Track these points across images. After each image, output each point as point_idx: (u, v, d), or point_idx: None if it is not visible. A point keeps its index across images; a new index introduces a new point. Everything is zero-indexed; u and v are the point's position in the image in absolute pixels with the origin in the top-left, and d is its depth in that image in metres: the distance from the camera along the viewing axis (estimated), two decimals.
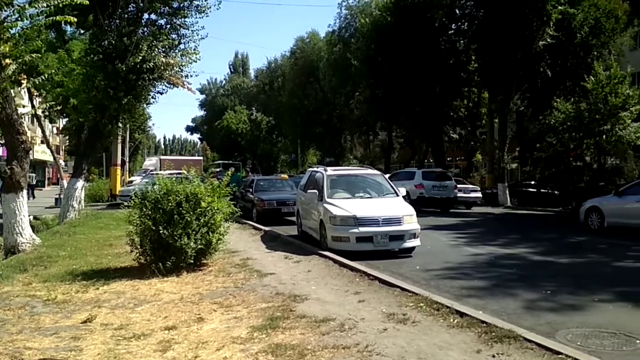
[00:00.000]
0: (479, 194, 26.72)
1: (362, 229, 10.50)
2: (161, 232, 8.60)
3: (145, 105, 24.37)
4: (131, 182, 32.54)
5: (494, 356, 4.89)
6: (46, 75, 12.83)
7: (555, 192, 25.78)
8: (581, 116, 22.17)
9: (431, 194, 22.21)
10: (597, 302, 7.14)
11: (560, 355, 4.81)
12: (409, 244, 10.80)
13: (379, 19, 32.22)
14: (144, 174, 35.44)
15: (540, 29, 24.72)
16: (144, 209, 9.06)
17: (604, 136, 22.00)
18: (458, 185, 24.58)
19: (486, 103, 31.79)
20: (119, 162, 30.63)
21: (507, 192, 27.57)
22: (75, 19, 10.17)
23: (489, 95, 30.23)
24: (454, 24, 30.85)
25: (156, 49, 16.91)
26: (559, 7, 24.32)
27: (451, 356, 4.93)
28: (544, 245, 12.80)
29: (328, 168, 13.25)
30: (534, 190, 27.35)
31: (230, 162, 61.20)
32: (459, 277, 8.83)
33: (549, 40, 24.77)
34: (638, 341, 5.50)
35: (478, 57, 29.15)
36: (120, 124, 21.37)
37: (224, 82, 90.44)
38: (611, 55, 27.11)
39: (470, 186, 27.29)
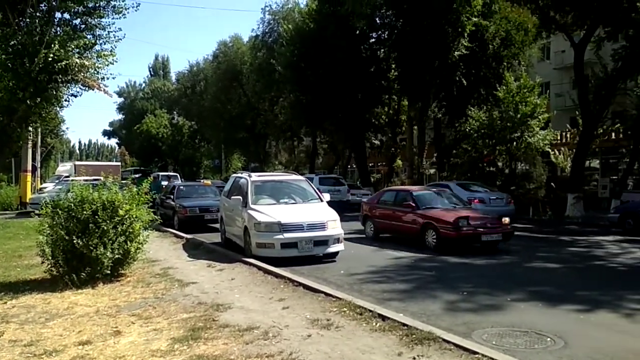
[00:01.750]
0: None
1: (286, 234, 10.48)
2: (75, 241, 8.16)
3: (58, 108, 23.14)
4: (42, 189, 30.75)
5: (414, 358, 5.02)
6: None
7: None
8: (494, 124, 23.44)
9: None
10: (510, 302, 7.52)
11: (477, 355, 5.01)
12: (333, 248, 10.90)
13: (302, 25, 32.41)
14: (56, 181, 33.63)
15: (456, 40, 25.86)
16: (57, 218, 8.56)
17: (515, 143, 23.39)
18: (354, 191, 27.66)
19: (406, 110, 32.77)
20: (29, 168, 28.76)
21: None
22: None
23: (408, 102, 31.21)
24: (374, 33, 31.56)
25: (69, 49, 16.10)
26: (473, 19, 25.56)
27: None
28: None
29: (252, 174, 13.13)
30: None
31: (141, 168, 59.39)
32: (381, 281, 9.02)
33: (463, 50, 25.96)
34: (549, 339, 5.83)
35: (398, 65, 30.04)
36: (30, 128, 20.17)
37: (143, 85, 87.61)
38: (521, 66, 28.87)
39: (363, 190, 29.20)
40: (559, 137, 27.57)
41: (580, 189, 22.46)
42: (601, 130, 23.72)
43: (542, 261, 11.62)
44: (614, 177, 28.85)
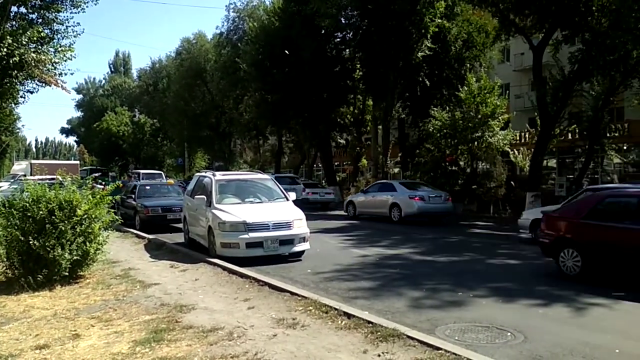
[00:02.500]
0: (333, 196, 28.18)
1: (252, 234, 10.41)
2: (31, 242, 7.92)
3: (13, 105, 22.34)
4: None
5: (379, 355, 5.05)
6: None
7: None
8: (456, 124, 23.82)
9: None
10: (472, 298, 7.66)
11: (440, 351, 5.08)
12: (298, 247, 10.89)
13: (267, 23, 32.26)
14: (12, 180, 32.53)
15: (419, 41, 26.19)
16: (11, 218, 8.27)
17: (476, 143, 23.82)
18: (316, 190, 28.47)
19: (371, 110, 32.99)
20: None
21: None
22: None
23: (373, 102, 31.44)
24: (339, 33, 31.64)
25: (23, 42, 15.54)
26: (436, 21, 25.93)
27: (340, 358, 5.02)
28: (424, 246, 13.53)
29: (217, 173, 12.97)
30: None
31: (97, 167, 58.06)
32: (347, 279, 9.05)
33: (427, 51, 26.31)
34: (509, 334, 5.97)
35: (362, 65, 30.22)
36: None
37: (103, 81, 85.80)
38: (482, 68, 29.44)
39: (326, 190, 29.61)
40: (518, 137, 28.25)
41: (538, 188, 23.05)
42: (558, 131, 24.38)
43: (502, 258, 11.90)
44: (570, 176, 29.75)
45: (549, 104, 22.18)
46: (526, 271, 10.32)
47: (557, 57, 21.72)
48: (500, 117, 24.06)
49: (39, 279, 7.95)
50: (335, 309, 6.47)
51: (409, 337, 5.45)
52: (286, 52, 28.87)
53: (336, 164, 42.34)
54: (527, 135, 29.21)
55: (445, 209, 19.94)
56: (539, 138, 23.12)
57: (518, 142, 28.20)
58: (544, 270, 10.24)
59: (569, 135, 26.40)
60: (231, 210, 10.88)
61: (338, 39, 32.19)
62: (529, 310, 7.11)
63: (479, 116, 23.43)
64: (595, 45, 19.82)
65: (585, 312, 7.08)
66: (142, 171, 37.58)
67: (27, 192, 8.59)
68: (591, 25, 20.07)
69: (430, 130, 24.97)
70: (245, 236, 10.37)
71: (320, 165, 41.40)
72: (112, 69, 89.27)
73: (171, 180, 26.80)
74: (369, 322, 5.95)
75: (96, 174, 37.22)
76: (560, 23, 20.74)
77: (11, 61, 15.42)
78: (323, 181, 39.00)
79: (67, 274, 8.35)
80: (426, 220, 19.69)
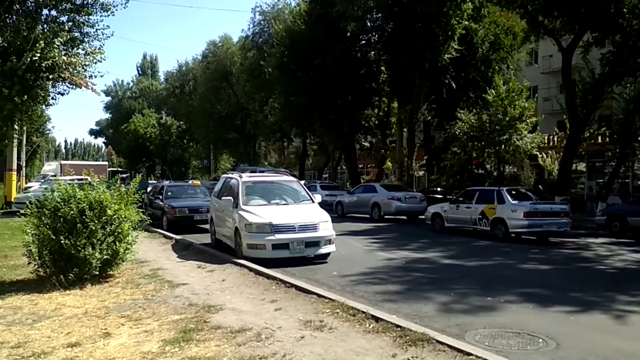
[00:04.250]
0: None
1: (278, 236, 10.42)
2: (62, 242, 8.03)
3: (44, 107, 22.85)
4: (28, 188, 30.40)
5: (408, 359, 4.98)
6: None
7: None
8: (483, 127, 23.57)
9: None
10: (502, 303, 7.52)
11: (470, 356, 4.99)
12: (324, 250, 10.86)
13: (292, 26, 32.41)
14: (42, 180, 33.27)
15: (446, 43, 26.01)
16: (43, 218, 8.42)
17: (503, 146, 23.53)
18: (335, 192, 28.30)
19: (396, 112, 32.87)
20: (14, 167, 28.42)
21: None
22: None
23: (398, 105, 31.32)
24: (365, 35, 31.65)
25: (55, 45, 15.88)
26: (463, 23, 25.72)
27: None
28: (452, 249, 13.38)
29: (243, 174, 13.04)
30: (440, 196, 28.64)
31: (119, 169, 58.96)
32: (373, 282, 8.98)
33: (453, 53, 26.12)
34: (541, 340, 5.83)
35: (388, 68, 30.15)
36: (16, 126, 19.88)
37: (131, 84, 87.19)
38: (509, 70, 29.07)
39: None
40: (546, 141, 27.81)
41: (567, 192, 22.65)
42: (588, 134, 23.94)
43: (533, 263, 11.68)
44: (600, 180, 29.14)
45: (579, 106, 21.80)
46: (559, 276, 10.12)
47: (587, 59, 21.33)
48: (528, 120, 23.73)
49: (70, 277, 8.07)
50: (363, 312, 6.41)
51: (438, 341, 5.36)
52: (311, 54, 28.94)
53: (360, 166, 42.27)
54: (555, 139, 28.74)
55: (420, 208, 21.26)
56: (568, 141, 22.74)
57: (546, 145, 27.76)
58: (577, 275, 10.05)
59: (599, 138, 25.89)
60: (257, 212, 10.92)
61: (363, 42, 32.19)
62: (562, 316, 6.95)
63: (507, 119, 23.14)
64: (626, 47, 19.44)
65: (621, 319, 6.90)
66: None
67: (57, 192, 8.72)
68: (622, 26, 19.66)
69: (457, 132, 24.75)
70: (272, 238, 10.39)
71: (344, 167, 41.36)
72: (140, 72, 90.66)
73: (197, 182, 27.02)
74: (397, 325, 5.88)
75: (124, 175, 37.82)
76: (590, 25, 20.37)
77: (43, 64, 15.76)
78: (347, 184, 38.90)
79: (97, 273, 8.45)
80: (405, 218, 21.63)
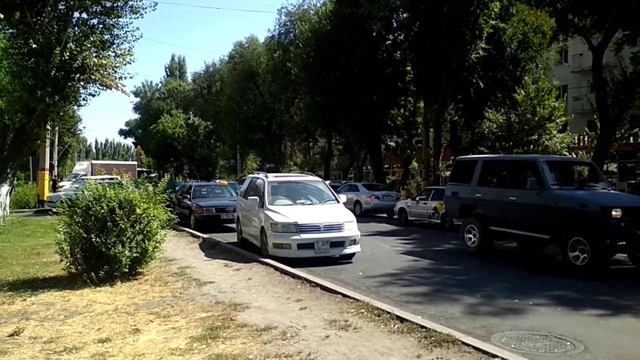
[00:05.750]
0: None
1: (303, 235, 10.48)
2: (93, 239, 8.25)
3: (75, 107, 23.40)
4: (60, 187, 31.12)
5: None
6: None
7: None
8: (511, 126, 23.21)
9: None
10: (530, 306, 7.41)
11: (496, 358, 4.96)
12: (349, 250, 10.88)
13: (318, 26, 32.43)
14: (74, 179, 34.03)
15: (473, 42, 25.66)
16: (75, 216, 8.65)
17: (532, 146, 23.13)
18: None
19: (422, 112, 32.59)
20: (47, 166, 29.14)
21: None
22: (1, 15, 9.61)
23: (425, 104, 31.03)
24: (391, 35, 31.48)
25: (85, 47, 16.26)
26: (491, 22, 25.37)
27: None
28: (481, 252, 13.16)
29: (269, 174, 13.16)
30: None
31: (145, 169, 59.85)
32: (399, 283, 8.97)
33: (481, 52, 25.77)
34: (568, 343, 5.75)
35: (414, 67, 29.89)
36: (48, 127, 20.38)
37: (159, 85, 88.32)
38: (538, 69, 28.58)
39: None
40: (576, 141, 27.25)
41: None
42: (619, 134, 23.34)
43: (562, 265, 11.45)
44: (631, 181, 28.46)
45: (610, 106, 21.29)
46: (589, 280, 9.91)
47: (620, 57, 20.84)
48: (557, 120, 23.29)
49: (100, 274, 8.27)
50: (388, 313, 6.42)
51: (463, 343, 5.34)
52: (337, 54, 28.94)
53: (386, 166, 42.08)
54: (586, 139, 28.12)
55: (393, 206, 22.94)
56: (599, 142, 22.21)
57: (576, 145, 27.19)
58: (607, 278, 9.83)
59: (631, 139, 25.23)
60: (283, 212, 11.00)
61: (389, 41, 32.01)
62: (591, 319, 6.83)
63: (536, 118, 22.75)
64: None
65: None
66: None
67: (89, 191, 8.94)
68: None
69: (485, 132, 24.45)
70: (297, 237, 10.46)
71: (370, 167, 41.23)
72: (168, 73, 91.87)
73: (224, 181, 27.31)
74: (423, 326, 5.87)
75: (152, 175, 38.39)
76: (621, 23, 19.88)
77: (74, 65, 16.14)
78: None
79: (127, 270, 8.65)
80: (385, 215, 23.28)
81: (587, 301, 7.80)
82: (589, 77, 28.17)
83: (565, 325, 6.45)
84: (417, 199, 20.63)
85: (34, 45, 16.43)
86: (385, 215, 23.68)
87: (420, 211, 19.88)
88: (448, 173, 36.41)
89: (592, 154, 23.31)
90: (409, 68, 31.28)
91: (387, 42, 31.99)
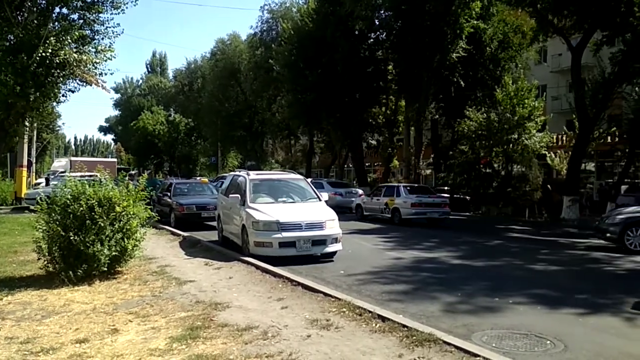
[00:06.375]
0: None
1: (285, 234, 10.44)
2: (72, 238, 8.10)
3: (54, 103, 23.03)
4: (38, 184, 30.59)
5: None
6: None
7: (467, 197, 27.05)
8: (491, 125, 23.47)
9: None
10: (509, 304, 7.47)
11: (477, 358, 4.97)
12: (331, 248, 10.86)
13: (300, 24, 32.38)
14: (52, 176, 33.44)
15: (454, 42, 25.88)
16: (53, 214, 8.49)
17: (511, 145, 23.41)
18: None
19: (403, 111, 32.77)
20: (25, 163, 28.59)
21: None
22: None
23: (406, 103, 31.22)
24: (373, 34, 31.58)
25: (65, 42, 16.02)
26: (472, 21, 25.59)
27: None
28: (461, 250, 13.31)
29: (250, 172, 13.06)
30: (447, 195, 28.61)
31: (124, 167, 59.29)
32: (380, 281, 8.97)
33: (461, 52, 26.00)
34: (548, 342, 5.80)
35: (396, 66, 30.05)
36: (27, 123, 20.04)
37: (140, 81, 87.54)
38: (518, 69, 28.91)
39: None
40: (555, 140, 27.66)
41: (576, 192, 22.50)
42: (597, 134, 23.77)
43: (543, 263, 11.61)
44: (609, 181, 28.94)
45: (588, 105, 21.65)
46: (568, 278, 10.06)
47: (599, 57, 21.18)
48: (536, 119, 23.61)
49: (78, 273, 8.13)
50: (370, 312, 6.41)
51: (445, 342, 5.35)
52: (319, 53, 28.91)
53: (367, 164, 42.20)
54: (564, 138, 28.57)
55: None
56: (577, 141, 22.58)
57: (555, 144, 27.60)
58: (586, 277, 9.98)
59: (609, 138, 25.70)
60: (265, 210, 10.94)
61: (371, 40, 32.11)
62: (571, 318, 6.90)
63: (515, 118, 23.03)
64: (636, 46, 19.25)
65: (630, 321, 6.83)
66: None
67: (67, 188, 8.78)
68: (633, 25, 19.50)
69: (465, 131, 24.66)
70: (279, 236, 10.41)
71: (351, 165, 41.33)
72: (149, 69, 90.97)
73: (205, 179, 27.12)
74: (404, 325, 5.88)
75: (132, 172, 37.94)
76: (600, 23, 20.22)
77: (54, 61, 15.89)
78: (354, 182, 38.87)
79: (105, 269, 8.51)
80: (347, 211, 23.48)
81: (566, 300, 7.88)
82: (567, 77, 28.56)
83: (545, 323, 6.51)
84: (371, 196, 21.96)
85: (14, 41, 16.13)
86: (347, 212, 24.00)
87: (373, 207, 21.28)
88: (429, 171, 36.76)
89: (570, 153, 23.69)
90: (390, 67, 31.45)
91: (369, 41, 32.09)
